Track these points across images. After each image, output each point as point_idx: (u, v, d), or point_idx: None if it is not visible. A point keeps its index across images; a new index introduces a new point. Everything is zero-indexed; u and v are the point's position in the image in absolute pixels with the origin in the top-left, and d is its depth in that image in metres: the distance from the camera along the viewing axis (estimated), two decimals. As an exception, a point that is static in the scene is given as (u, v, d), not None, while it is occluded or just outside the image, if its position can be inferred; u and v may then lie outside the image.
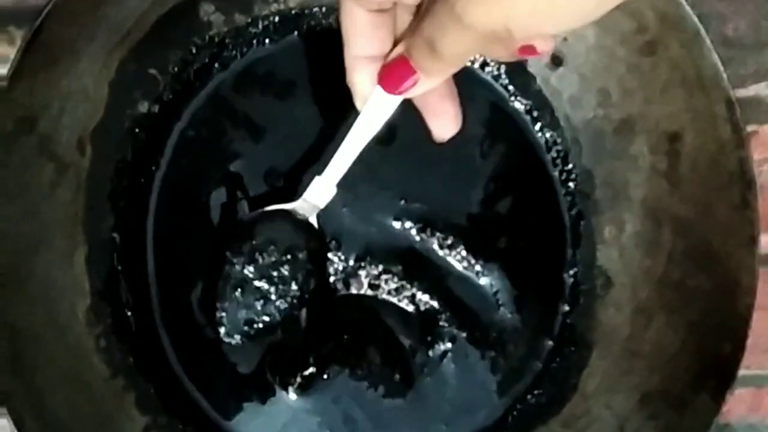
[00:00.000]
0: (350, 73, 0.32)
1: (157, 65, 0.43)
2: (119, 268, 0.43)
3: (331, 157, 0.37)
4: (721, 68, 0.41)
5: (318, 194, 0.38)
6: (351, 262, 0.44)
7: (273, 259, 0.39)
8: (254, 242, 0.40)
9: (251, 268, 0.40)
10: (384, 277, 0.44)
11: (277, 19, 0.44)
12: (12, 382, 0.39)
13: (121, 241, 0.43)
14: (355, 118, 0.34)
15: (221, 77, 0.44)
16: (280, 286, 0.40)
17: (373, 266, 0.44)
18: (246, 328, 0.40)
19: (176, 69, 0.43)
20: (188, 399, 0.43)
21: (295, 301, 0.40)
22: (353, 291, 0.44)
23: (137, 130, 0.43)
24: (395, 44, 0.31)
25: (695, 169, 0.42)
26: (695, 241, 0.42)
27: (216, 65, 0.44)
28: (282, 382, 0.43)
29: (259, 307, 0.40)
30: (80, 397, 0.41)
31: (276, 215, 0.40)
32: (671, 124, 0.42)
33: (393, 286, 0.44)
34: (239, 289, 0.40)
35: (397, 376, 0.44)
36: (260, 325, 0.40)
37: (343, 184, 0.38)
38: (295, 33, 0.44)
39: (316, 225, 0.40)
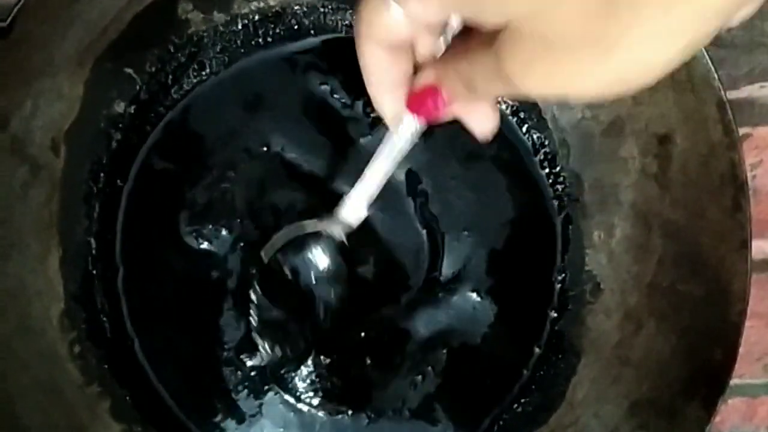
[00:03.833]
0: (377, 101, 0.32)
1: (134, 64, 0.42)
2: (94, 272, 0.42)
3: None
4: (713, 69, 0.40)
5: (350, 213, 0.37)
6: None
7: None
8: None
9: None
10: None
11: (257, 17, 0.43)
12: (-19, 389, 0.38)
13: (96, 245, 0.42)
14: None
15: (200, 77, 0.43)
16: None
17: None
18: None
19: (153, 68, 0.42)
20: (163, 406, 0.42)
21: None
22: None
23: (113, 130, 0.42)
24: (417, 68, 0.30)
25: (686, 172, 0.41)
26: (686, 246, 0.41)
27: (194, 65, 0.43)
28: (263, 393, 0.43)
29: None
30: (53, 405, 0.40)
31: (308, 238, 0.39)
32: (661, 126, 0.41)
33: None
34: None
35: (383, 385, 0.43)
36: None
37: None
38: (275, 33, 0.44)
39: (346, 243, 0.39)
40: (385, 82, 0.31)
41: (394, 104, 0.31)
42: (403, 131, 0.32)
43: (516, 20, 0.24)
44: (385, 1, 0.28)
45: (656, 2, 0.21)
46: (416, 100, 0.30)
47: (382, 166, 0.34)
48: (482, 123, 0.32)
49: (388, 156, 0.34)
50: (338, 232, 0.38)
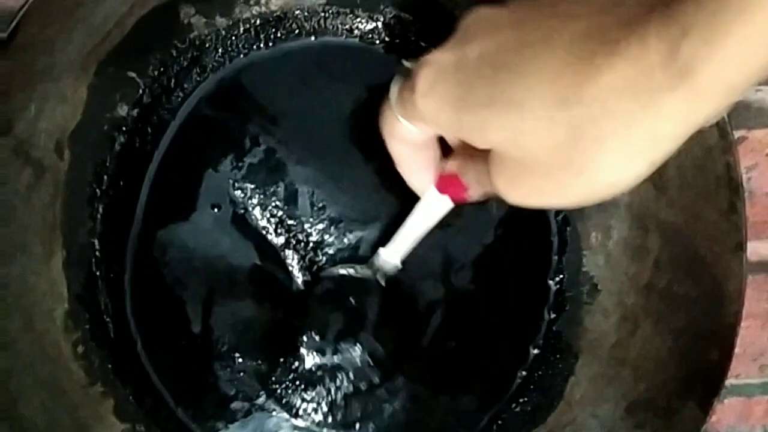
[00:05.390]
0: (407, 179, 0.36)
1: (137, 68, 0.42)
2: (97, 273, 0.42)
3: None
4: (708, 72, 0.40)
5: (386, 264, 0.41)
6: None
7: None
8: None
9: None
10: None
11: (258, 21, 0.43)
12: (-14, 389, 0.39)
13: (99, 246, 0.42)
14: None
15: (202, 80, 0.44)
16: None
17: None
18: None
19: (156, 72, 0.43)
20: (166, 406, 0.42)
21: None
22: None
23: (116, 133, 0.42)
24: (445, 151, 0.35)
25: (682, 175, 0.42)
26: (682, 248, 0.42)
27: (197, 68, 0.43)
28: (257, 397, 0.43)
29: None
30: (57, 405, 0.40)
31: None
32: (658, 129, 0.42)
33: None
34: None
35: (381, 383, 0.43)
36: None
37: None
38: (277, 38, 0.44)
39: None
40: (412, 167, 0.35)
41: (421, 183, 0.36)
42: (433, 203, 0.36)
43: (498, 144, 0.27)
44: (395, 115, 0.32)
45: (617, 133, 0.24)
46: (443, 183, 0.35)
47: (414, 229, 0.38)
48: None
49: (420, 220, 0.38)
50: (376, 278, 0.41)
